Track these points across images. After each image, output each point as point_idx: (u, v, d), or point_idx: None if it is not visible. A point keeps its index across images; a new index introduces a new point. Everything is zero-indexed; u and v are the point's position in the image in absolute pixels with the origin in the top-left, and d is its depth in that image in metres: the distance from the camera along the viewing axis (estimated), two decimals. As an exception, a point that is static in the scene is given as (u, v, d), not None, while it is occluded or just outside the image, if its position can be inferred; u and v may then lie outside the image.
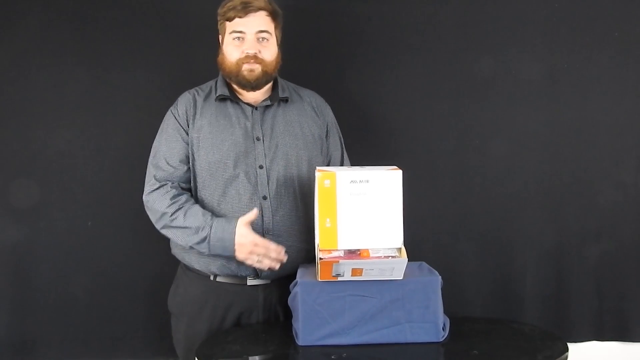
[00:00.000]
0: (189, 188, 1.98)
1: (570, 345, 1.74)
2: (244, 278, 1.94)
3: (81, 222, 2.36)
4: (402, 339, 1.72)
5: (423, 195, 2.38)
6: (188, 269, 2.00)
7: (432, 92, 2.44)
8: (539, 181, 2.46)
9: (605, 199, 2.45)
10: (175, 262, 2.05)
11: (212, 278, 1.96)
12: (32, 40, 2.33)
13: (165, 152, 1.96)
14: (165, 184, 1.94)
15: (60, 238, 2.36)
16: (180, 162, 1.95)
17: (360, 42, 2.43)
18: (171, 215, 1.90)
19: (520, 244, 2.46)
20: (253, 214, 1.84)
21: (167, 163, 1.95)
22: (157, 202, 1.92)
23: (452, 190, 2.46)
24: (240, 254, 1.84)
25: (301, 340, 1.72)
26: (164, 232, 1.94)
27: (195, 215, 1.88)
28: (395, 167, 1.75)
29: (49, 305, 2.35)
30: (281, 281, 1.93)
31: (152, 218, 1.95)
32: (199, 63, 2.22)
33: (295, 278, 1.80)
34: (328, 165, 2.07)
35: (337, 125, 2.13)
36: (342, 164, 2.10)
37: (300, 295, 1.73)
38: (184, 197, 1.93)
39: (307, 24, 2.39)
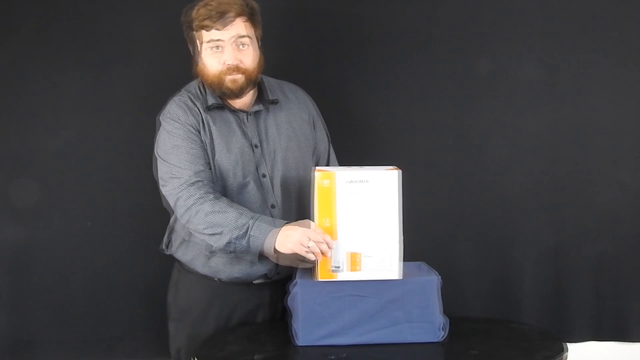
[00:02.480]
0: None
1: (569, 345, 1.74)
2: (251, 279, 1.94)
3: (80, 222, 2.36)
4: (401, 339, 1.72)
5: (422, 195, 2.37)
6: (188, 271, 1.99)
7: (431, 92, 2.45)
8: (538, 181, 2.46)
9: (604, 198, 2.45)
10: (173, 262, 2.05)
11: (216, 280, 1.95)
12: (30, 40, 2.33)
13: (188, 154, 1.85)
14: (200, 180, 1.83)
15: (58, 238, 2.35)
16: (207, 163, 1.87)
17: (360, 42, 2.43)
18: (212, 201, 1.79)
19: (519, 244, 2.46)
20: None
21: (195, 164, 1.85)
22: (193, 193, 1.81)
23: (451, 190, 2.46)
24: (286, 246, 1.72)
25: (300, 341, 1.72)
26: (194, 220, 1.80)
27: (238, 207, 1.78)
28: (394, 167, 1.75)
29: (48, 305, 2.35)
30: (286, 280, 1.92)
31: (183, 205, 1.82)
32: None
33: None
34: (317, 159, 2.06)
35: (320, 116, 2.08)
36: (329, 157, 2.08)
37: (299, 295, 1.73)
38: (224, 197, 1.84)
39: (307, 24, 2.39)
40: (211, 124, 1.91)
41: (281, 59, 2.05)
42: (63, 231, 2.35)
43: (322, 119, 2.09)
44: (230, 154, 1.90)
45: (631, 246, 2.47)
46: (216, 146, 1.89)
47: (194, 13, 1.88)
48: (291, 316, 1.79)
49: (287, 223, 1.79)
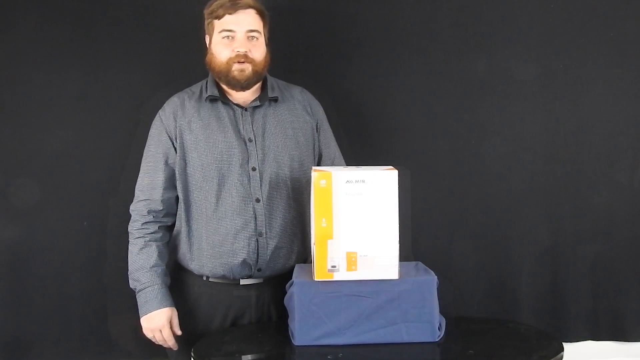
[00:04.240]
0: (176, 199, 1.99)
1: (566, 345, 1.75)
2: (237, 279, 1.95)
3: (77, 222, 2.36)
4: (398, 339, 1.72)
5: (419, 195, 2.38)
6: (182, 268, 2.00)
7: (429, 93, 2.45)
8: (535, 181, 2.46)
9: (600, 199, 2.46)
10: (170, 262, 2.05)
11: (204, 278, 1.97)
12: (28, 40, 2.33)
13: (151, 174, 1.98)
14: (146, 200, 1.97)
15: (55, 238, 2.35)
16: (164, 188, 1.96)
17: (358, 43, 2.43)
18: (135, 238, 1.97)
19: (516, 244, 2.47)
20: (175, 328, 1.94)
21: (153, 188, 1.97)
22: (133, 217, 2.00)
23: (449, 190, 2.46)
24: (145, 328, 1.95)
25: (297, 340, 1.72)
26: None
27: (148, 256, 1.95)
28: (391, 167, 1.75)
29: (45, 305, 2.35)
30: (274, 281, 1.94)
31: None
32: (195, 63, 2.21)
33: (288, 278, 1.81)
34: (319, 163, 2.06)
35: (328, 123, 2.10)
36: (333, 162, 2.08)
37: (296, 295, 1.73)
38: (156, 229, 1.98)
39: (305, 24, 2.40)
40: (192, 118, 1.95)
41: (280, 58, 2.05)
42: (59, 231, 2.35)
43: (328, 124, 2.10)
44: (214, 149, 1.93)
45: (628, 246, 2.48)
46: (197, 142, 1.94)
47: (206, 8, 1.96)
48: (289, 316, 1.79)
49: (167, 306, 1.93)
